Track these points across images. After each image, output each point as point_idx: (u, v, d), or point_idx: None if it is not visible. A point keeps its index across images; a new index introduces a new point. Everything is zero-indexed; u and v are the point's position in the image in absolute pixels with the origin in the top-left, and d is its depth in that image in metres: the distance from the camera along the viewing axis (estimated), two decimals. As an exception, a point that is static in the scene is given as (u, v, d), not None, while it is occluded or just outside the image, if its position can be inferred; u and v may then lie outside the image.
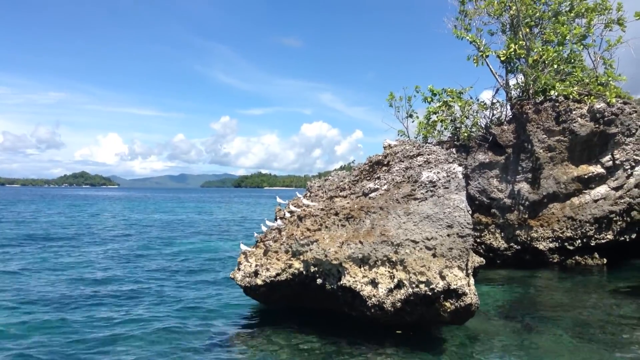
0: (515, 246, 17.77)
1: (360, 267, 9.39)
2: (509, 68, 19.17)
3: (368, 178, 11.30)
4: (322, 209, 10.41)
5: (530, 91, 18.08)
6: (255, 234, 11.23)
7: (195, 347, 9.07)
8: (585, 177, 17.03)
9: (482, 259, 15.10)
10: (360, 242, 9.44)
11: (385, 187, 10.51)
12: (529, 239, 17.44)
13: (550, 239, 17.24)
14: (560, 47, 18.36)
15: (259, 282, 10.33)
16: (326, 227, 10.04)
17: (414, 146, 11.56)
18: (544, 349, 9.03)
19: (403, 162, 11.01)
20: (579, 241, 17.04)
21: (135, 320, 10.78)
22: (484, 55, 18.91)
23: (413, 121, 20.46)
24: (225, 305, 12.08)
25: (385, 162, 11.37)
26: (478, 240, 18.10)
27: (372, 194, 10.49)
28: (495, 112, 19.53)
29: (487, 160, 18.00)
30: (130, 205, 69.29)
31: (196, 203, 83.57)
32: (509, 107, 19.11)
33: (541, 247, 17.27)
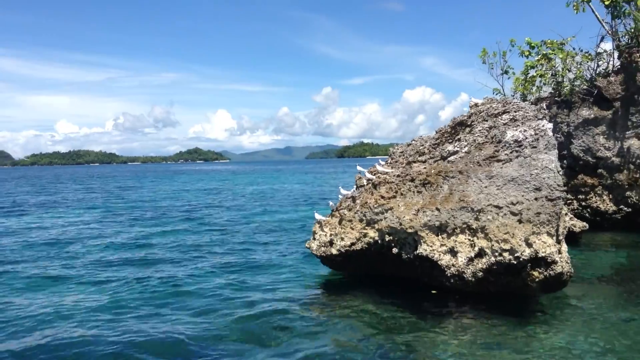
0: (625, 208, 16.26)
1: (437, 236, 8.84)
2: (615, 13, 17.25)
3: (450, 140, 10.57)
4: (398, 176, 9.90)
5: (641, 37, 16.24)
6: (330, 203, 10.91)
7: (271, 314, 8.91)
8: None
9: (584, 223, 13.98)
10: (437, 209, 8.88)
11: (466, 149, 9.79)
12: (641, 200, 15.88)
13: (666, 200, 15.61)
14: (676, -15, 16.25)
15: (334, 251, 10.06)
16: (401, 194, 9.54)
17: (500, 103, 10.65)
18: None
19: (487, 121, 10.18)
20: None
21: (220, 283, 11.07)
22: (585, 0, 17.16)
23: (509, 77, 19.17)
24: (305, 273, 11.89)
25: (468, 123, 10.56)
26: (583, 203, 16.85)
27: (451, 157, 9.82)
28: (600, 62, 17.82)
29: (592, 116, 16.53)
30: (253, 179, 72.04)
31: (302, 174, 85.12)
32: (616, 57, 17.33)
33: (655, 209, 15.68)
